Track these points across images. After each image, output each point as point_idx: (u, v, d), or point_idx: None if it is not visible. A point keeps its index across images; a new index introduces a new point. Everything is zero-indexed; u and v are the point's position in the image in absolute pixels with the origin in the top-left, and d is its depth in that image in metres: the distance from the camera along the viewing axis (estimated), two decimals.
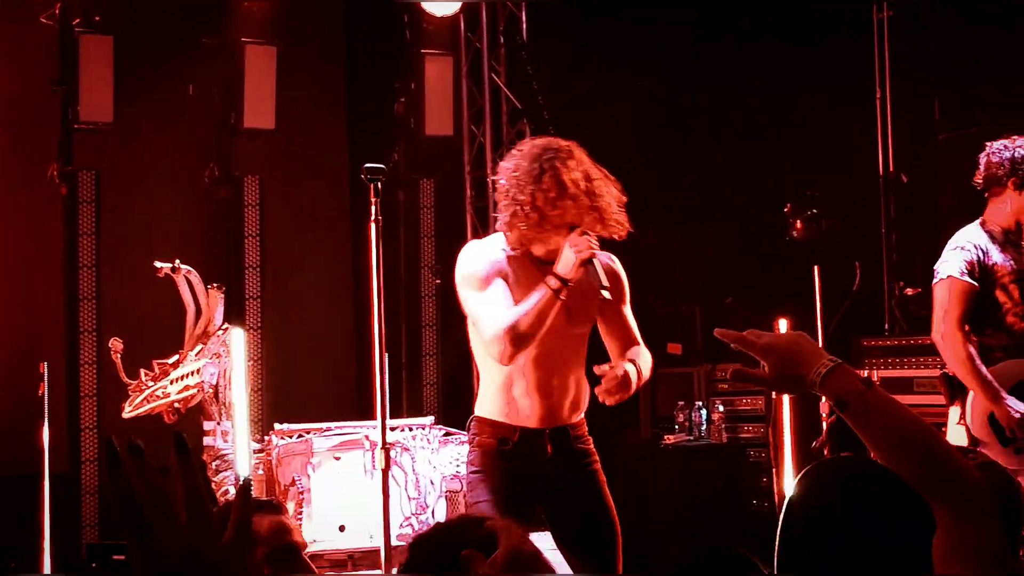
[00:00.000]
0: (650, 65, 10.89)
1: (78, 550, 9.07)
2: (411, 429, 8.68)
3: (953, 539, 2.81)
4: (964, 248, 6.81)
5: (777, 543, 2.79)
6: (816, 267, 8.74)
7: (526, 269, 5.62)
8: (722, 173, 10.99)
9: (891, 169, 9.42)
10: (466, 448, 8.77)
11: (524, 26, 11.13)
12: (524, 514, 5.61)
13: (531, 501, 5.74)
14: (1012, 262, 6.83)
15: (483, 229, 11.18)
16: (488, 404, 5.81)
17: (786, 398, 9.05)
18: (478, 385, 8.06)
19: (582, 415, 5.81)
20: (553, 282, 5.45)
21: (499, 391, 5.75)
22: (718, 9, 10.76)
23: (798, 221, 9.22)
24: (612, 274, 5.76)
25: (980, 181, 6.97)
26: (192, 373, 8.22)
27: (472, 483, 5.81)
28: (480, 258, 5.65)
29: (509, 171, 5.63)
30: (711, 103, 10.95)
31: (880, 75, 9.56)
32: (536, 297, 5.49)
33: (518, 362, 5.63)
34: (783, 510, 2.83)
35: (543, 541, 7.35)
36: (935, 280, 6.89)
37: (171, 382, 8.19)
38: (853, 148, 10.11)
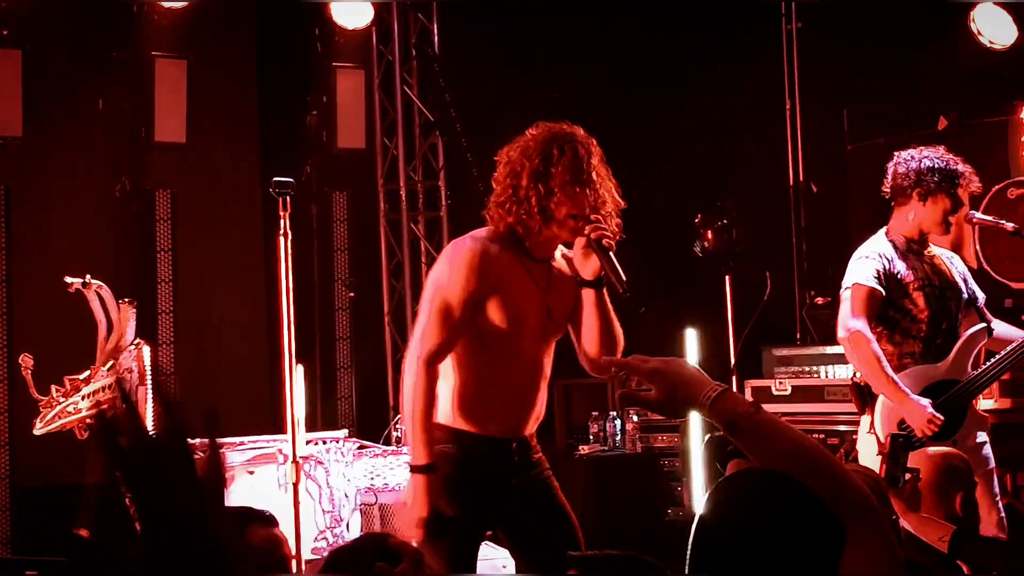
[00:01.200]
0: (562, 76, 10.88)
1: None
2: (325, 443, 8.68)
3: (860, 555, 2.85)
4: (870, 257, 6.85)
5: (688, 554, 2.80)
6: (727, 277, 8.82)
7: (517, 272, 5.40)
8: (634, 184, 10.77)
9: (801, 179, 9.54)
10: (380, 461, 8.98)
11: (436, 39, 11.16)
12: (480, 525, 5.57)
13: (490, 512, 5.58)
14: (914, 271, 6.89)
15: (396, 242, 11.41)
16: (454, 411, 5.51)
17: None
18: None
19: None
20: (589, 295, 5.38)
21: (471, 399, 5.49)
22: (629, 22, 10.70)
23: (709, 231, 9.16)
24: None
25: (887, 190, 7.02)
26: (104, 388, 8.12)
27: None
28: (474, 274, 5.35)
29: (516, 154, 5.42)
30: (622, 114, 10.82)
31: (790, 87, 9.63)
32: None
33: (499, 369, 5.46)
34: (695, 522, 2.82)
35: (494, 553, 7.32)
36: (843, 287, 6.94)
37: (82, 398, 8.10)
38: (764, 159, 10.19)
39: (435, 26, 11.14)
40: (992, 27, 9.14)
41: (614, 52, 10.84)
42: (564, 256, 5.57)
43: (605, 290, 5.47)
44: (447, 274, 5.38)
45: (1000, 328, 7.15)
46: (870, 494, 3.10)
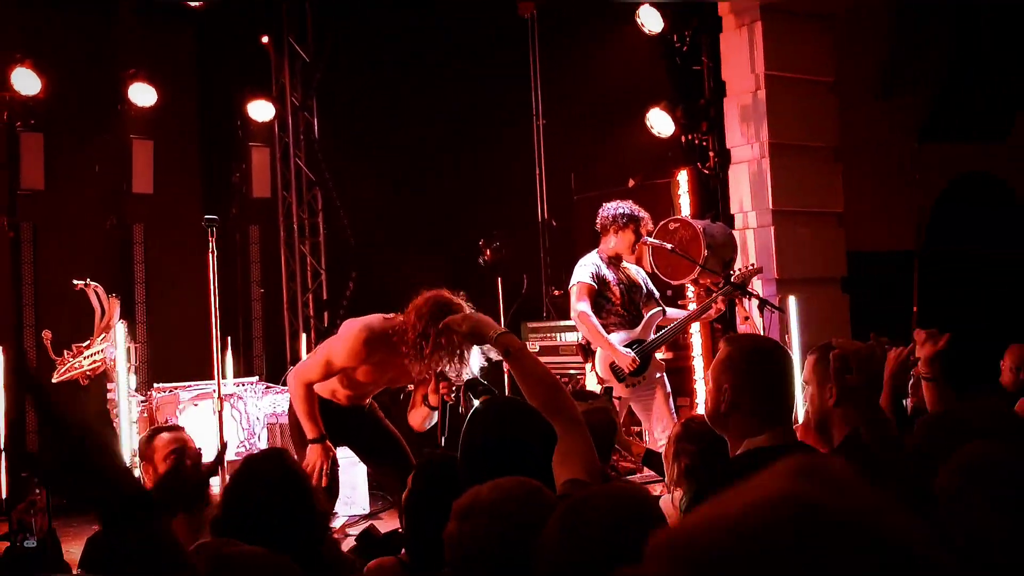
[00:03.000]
0: (398, 142, 10.64)
1: None
2: (244, 385, 8.84)
3: (563, 446, 2.90)
4: (587, 265, 7.18)
5: (459, 451, 2.90)
6: (499, 279, 8.84)
7: (389, 358, 5.20)
8: (444, 215, 10.76)
9: (546, 216, 9.61)
10: (279, 396, 8.69)
11: (316, 128, 11.11)
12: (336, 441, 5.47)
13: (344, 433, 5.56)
14: (615, 275, 7.22)
15: (290, 257, 11.25)
16: (327, 393, 5.48)
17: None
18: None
19: None
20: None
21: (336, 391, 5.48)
22: (441, 100, 10.54)
23: (487, 250, 9.16)
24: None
25: (597, 226, 7.33)
26: (98, 352, 8.16)
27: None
28: (353, 355, 5.20)
29: (412, 317, 4.98)
30: (438, 165, 10.76)
31: (538, 159, 9.72)
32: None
33: (358, 388, 5.44)
34: (465, 424, 2.94)
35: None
36: (571, 284, 7.22)
37: (84, 359, 8.17)
38: (523, 203, 10.13)
39: (315, 120, 11.08)
40: (660, 123, 9.14)
41: (431, 122, 10.62)
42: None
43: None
44: (338, 345, 5.25)
45: (670, 311, 7.45)
46: (579, 413, 3.20)
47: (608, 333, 7.11)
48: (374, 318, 5.27)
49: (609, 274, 7.23)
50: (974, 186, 10.45)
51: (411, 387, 5.41)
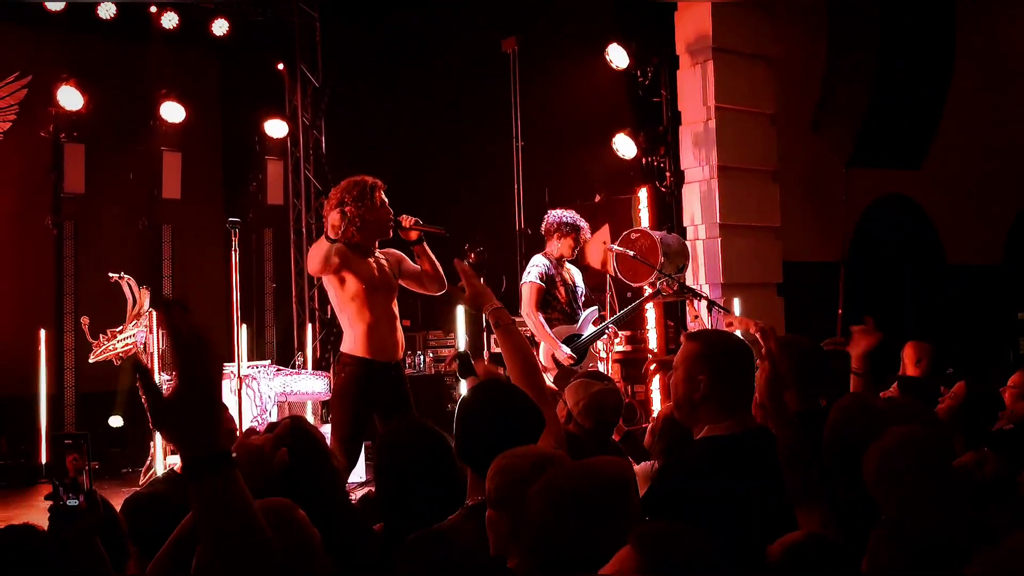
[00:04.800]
0: (393, 158, 9.77)
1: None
2: (257, 368, 8.76)
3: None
4: (538, 266, 7.05)
5: (455, 426, 2.80)
6: (481, 279, 8.12)
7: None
8: (433, 222, 10.17)
9: (523, 226, 9.45)
10: (289, 378, 8.61)
11: (323, 144, 11.02)
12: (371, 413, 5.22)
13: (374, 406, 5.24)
14: (559, 275, 7.08)
15: (299, 257, 10.99)
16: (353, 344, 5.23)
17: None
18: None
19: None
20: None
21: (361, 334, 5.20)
22: (432, 122, 10.37)
23: (472, 254, 9.30)
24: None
25: (543, 230, 7.23)
26: (130, 337, 8.26)
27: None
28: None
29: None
30: (429, 178, 10.32)
31: (516, 174, 9.42)
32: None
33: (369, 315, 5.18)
34: (458, 406, 2.85)
35: None
36: (522, 282, 7.13)
37: (118, 342, 8.26)
38: (503, 213, 9.82)
39: (323, 137, 10.99)
40: (624, 146, 9.02)
41: (423, 151, 10.54)
42: (381, 252, 5.36)
43: (426, 245, 5.35)
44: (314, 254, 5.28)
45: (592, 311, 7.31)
46: (547, 390, 3.25)
47: (552, 327, 6.99)
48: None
49: (555, 273, 7.10)
50: (892, 206, 10.47)
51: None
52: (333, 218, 5.14)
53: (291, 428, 2.67)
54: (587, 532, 2.00)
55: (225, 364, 7.94)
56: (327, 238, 5.13)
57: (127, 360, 8.13)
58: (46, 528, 2.36)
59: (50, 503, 2.37)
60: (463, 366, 3.68)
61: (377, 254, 5.34)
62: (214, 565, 1.49)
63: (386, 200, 5.26)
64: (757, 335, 2.70)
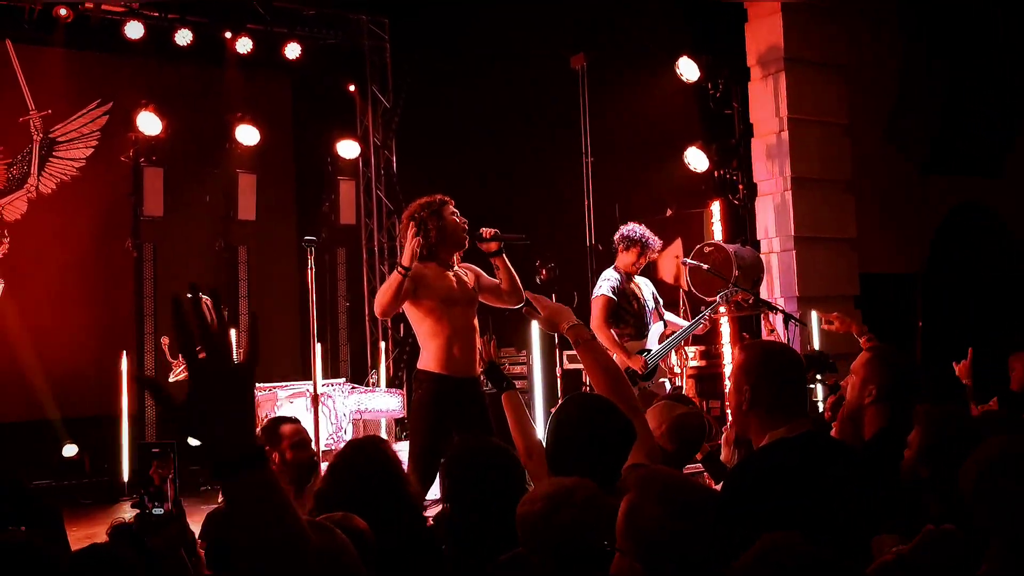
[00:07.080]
0: (464, 177, 9.68)
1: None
2: (333, 386, 8.76)
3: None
4: (609, 279, 7.04)
5: (546, 437, 2.83)
6: (553, 296, 7.60)
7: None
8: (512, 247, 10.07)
9: (593, 242, 9.27)
10: (364, 396, 8.61)
11: (395, 164, 11.18)
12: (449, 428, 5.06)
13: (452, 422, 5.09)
14: (630, 289, 7.07)
15: (371, 275, 11.15)
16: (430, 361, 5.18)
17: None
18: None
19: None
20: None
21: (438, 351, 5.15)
22: (502, 140, 10.31)
23: (543, 270, 8.45)
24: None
25: (614, 245, 7.23)
26: None
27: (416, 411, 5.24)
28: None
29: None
30: (500, 196, 10.03)
31: (587, 190, 9.24)
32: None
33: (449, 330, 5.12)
34: (551, 417, 2.86)
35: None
36: (593, 296, 7.11)
37: None
38: (574, 229, 9.56)
39: (394, 157, 11.11)
40: (696, 160, 8.92)
41: (494, 169, 10.48)
42: (460, 266, 5.33)
43: (505, 256, 5.27)
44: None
45: (669, 317, 7.32)
46: (638, 402, 3.15)
47: (623, 341, 6.96)
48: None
49: (625, 287, 7.09)
50: (971, 215, 10.20)
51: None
52: (409, 237, 5.08)
53: (356, 449, 2.72)
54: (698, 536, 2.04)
55: (297, 382, 8.37)
56: (400, 268, 5.06)
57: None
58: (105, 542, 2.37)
59: (136, 511, 2.37)
60: (493, 376, 3.71)
61: (456, 268, 5.32)
62: (250, 561, 1.43)
63: (457, 212, 5.27)
64: (861, 338, 2.60)
